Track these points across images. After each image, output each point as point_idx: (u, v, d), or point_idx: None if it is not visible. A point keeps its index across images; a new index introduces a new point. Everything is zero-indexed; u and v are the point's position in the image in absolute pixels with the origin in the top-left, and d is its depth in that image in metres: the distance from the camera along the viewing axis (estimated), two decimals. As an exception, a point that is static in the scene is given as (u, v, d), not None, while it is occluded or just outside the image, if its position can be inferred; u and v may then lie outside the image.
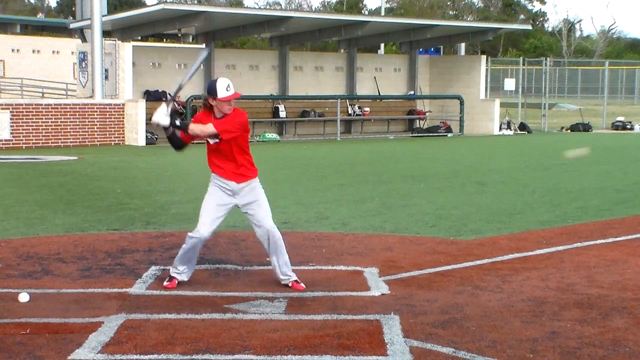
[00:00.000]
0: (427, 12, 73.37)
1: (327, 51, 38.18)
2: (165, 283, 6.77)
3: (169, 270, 6.92)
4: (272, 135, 24.42)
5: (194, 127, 6.51)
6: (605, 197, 12.36)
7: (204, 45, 25.85)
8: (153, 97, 23.76)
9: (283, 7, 78.20)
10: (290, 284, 6.76)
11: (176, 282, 6.77)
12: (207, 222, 6.66)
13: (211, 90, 6.48)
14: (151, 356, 5.03)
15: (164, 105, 6.56)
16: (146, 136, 21.53)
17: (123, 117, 21.42)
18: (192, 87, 24.74)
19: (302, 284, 6.76)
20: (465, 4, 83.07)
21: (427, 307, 6.18)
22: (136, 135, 21.31)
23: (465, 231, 9.40)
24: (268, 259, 7.34)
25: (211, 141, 6.59)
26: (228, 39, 31.43)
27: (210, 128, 6.47)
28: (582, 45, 78.64)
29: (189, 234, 6.74)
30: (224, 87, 6.47)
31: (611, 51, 73.19)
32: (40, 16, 75.75)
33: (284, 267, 6.79)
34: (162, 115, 6.51)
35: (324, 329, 5.58)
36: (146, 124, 21.52)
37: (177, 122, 6.52)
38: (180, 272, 6.78)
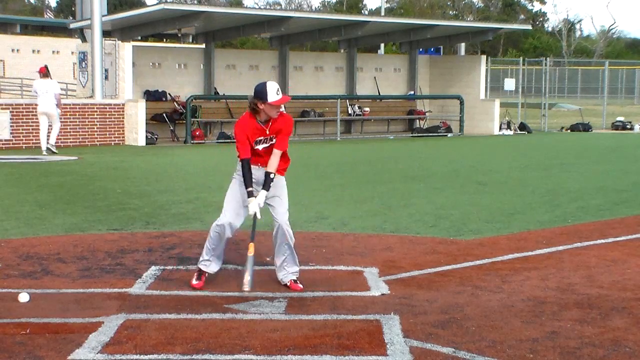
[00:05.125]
0: (427, 12, 73.41)
1: (327, 51, 38.19)
2: (193, 282, 6.72)
3: (197, 267, 6.85)
4: (272, 135, 24.37)
5: (273, 169, 6.49)
6: (605, 197, 12.35)
7: (203, 45, 25.84)
8: (153, 97, 23.77)
9: (283, 7, 78.28)
10: (288, 283, 6.75)
11: (204, 278, 6.74)
12: (229, 210, 6.64)
13: (261, 94, 6.41)
14: (151, 356, 5.03)
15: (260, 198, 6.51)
16: (146, 136, 21.53)
17: (123, 117, 21.42)
18: (192, 87, 24.80)
19: (300, 285, 6.74)
20: (465, 4, 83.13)
21: (427, 307, 6.18)
22: (136, 135, 21.31)
23: (465, 231, 9.39)
24: (267, 259, 7.36)
25: (260, 147, 6.56)
26: (228, 39, 31.40)
27: (278, 156, 6.52)
28: (582, 45, 78.71)
29: (214, 223, 6.70)
30: (274, 91, 6.43)
31: (611, 51, 73.26)
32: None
33: (283, 270, 6.77)
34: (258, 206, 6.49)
35: (324, 329, 5.58)
36: (146, 123, 21.56)
37: (267, 189, 6.50)
38: (207, 262, 6.72)
